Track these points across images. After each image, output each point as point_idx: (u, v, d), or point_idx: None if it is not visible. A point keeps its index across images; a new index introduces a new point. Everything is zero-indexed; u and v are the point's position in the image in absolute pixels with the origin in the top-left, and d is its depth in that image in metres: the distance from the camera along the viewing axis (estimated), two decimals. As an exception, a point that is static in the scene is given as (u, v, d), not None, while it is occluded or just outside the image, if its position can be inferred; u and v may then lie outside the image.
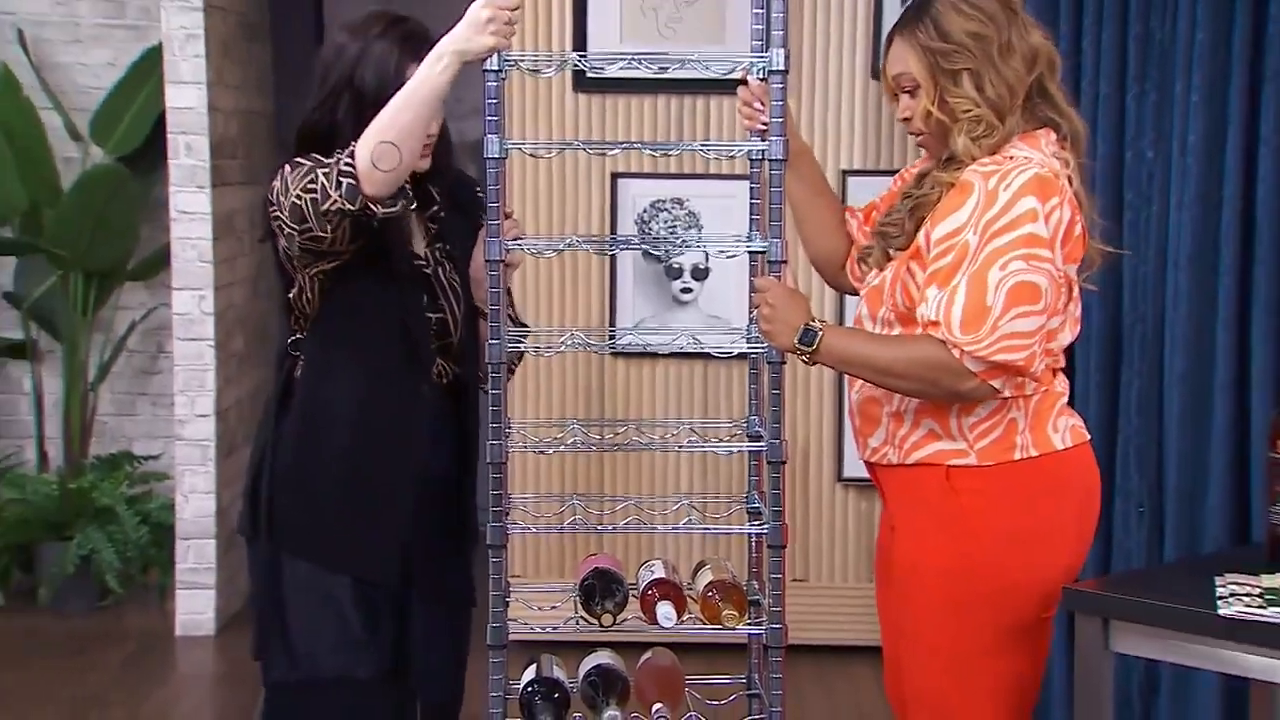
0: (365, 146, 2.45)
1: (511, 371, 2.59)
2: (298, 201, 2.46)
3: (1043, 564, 2.46)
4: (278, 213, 2.51)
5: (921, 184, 2.52)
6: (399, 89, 2.48)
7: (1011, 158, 2.40)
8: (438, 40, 2.49)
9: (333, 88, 2.60)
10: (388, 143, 2.43)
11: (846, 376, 2.63)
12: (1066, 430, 2.50)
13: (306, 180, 2.48)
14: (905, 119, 2.52)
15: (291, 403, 2.63)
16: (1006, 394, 2.41)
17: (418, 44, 2.59)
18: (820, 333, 2.42)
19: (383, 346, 2.59)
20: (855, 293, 2.68)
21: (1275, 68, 3.17)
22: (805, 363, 2.45)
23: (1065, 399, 2.53)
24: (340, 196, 2.42)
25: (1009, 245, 2.34)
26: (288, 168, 2.54)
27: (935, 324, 2.36)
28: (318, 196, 2.46)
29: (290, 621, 2.60)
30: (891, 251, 2.51)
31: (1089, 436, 2.54)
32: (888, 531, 2.62)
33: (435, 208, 2.75)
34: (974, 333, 2.33)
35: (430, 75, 2.47)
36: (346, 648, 2.56)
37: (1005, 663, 2.47)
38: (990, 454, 2.45)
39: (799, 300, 2.47)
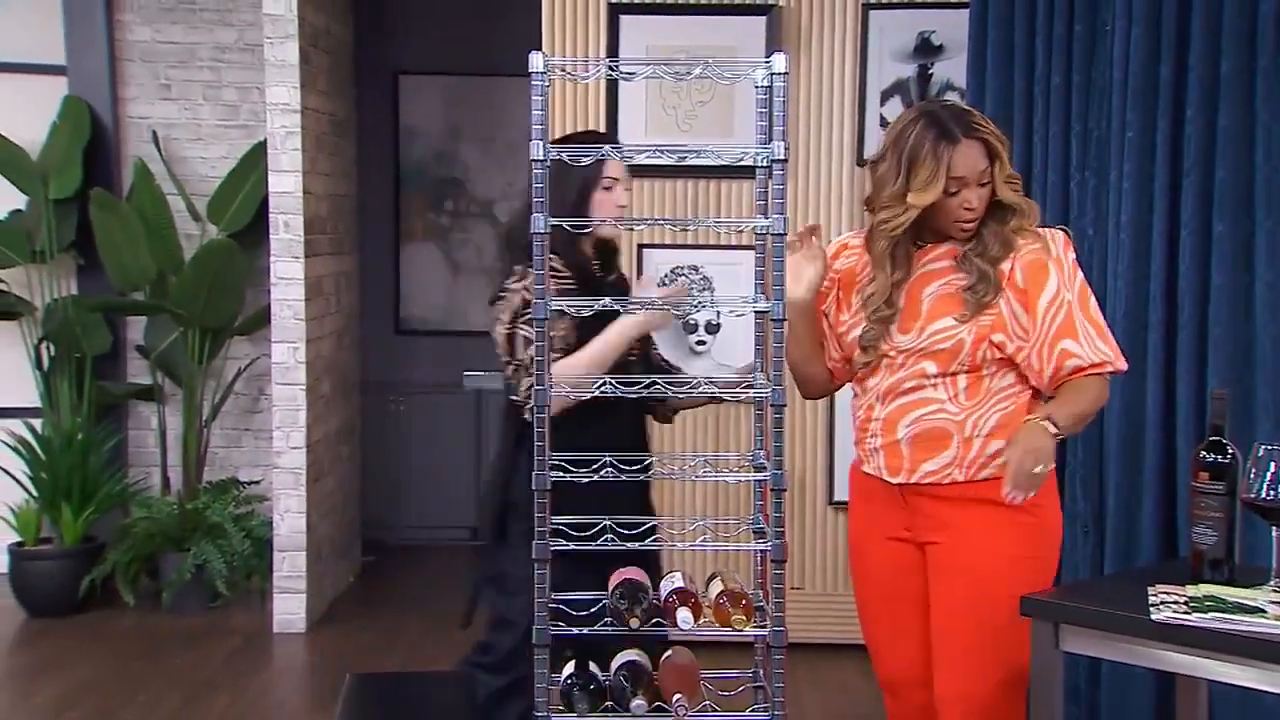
0: (567, 370, 2.79)
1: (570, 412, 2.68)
2: (509, 364, 2.90)
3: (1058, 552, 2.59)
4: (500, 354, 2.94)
5: (971, 261, 2.54)
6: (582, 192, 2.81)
7: (1032, 238, 2.54)
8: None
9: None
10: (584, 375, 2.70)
11: (856, 417, 2.65)
12: None
13: (510, 368, 2.93)
14: (967, 210, 2.50)
15: (527, 443, 2.62)
16: None
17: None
18: (1058, 429, 2.40)
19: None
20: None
21: (1193, 161, 3.14)
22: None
23: None
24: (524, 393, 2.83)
25: (1084, 287, 2.52)
26: (518, 337, 2.90)
27: (1099, 364, 2.48)
28: (513, 383, 2.90)
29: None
30: (978, 327, 2.50)
31: None
32: (910, 549, 2.57)
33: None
34: (1120, 356, 2.53)
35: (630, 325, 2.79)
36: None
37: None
38: None
39: (1037, 438, 2.38)
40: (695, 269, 4.41)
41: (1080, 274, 2.54)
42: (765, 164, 2.54)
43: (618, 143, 4.22)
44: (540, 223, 2.39)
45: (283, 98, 4.80)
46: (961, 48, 3.97)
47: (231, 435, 5.60)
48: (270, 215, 4.85)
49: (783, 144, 2.43)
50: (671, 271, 4.42)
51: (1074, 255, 2.54)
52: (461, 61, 6.42)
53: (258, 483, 5.38)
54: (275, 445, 4.91)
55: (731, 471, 2.65)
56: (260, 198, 5.15)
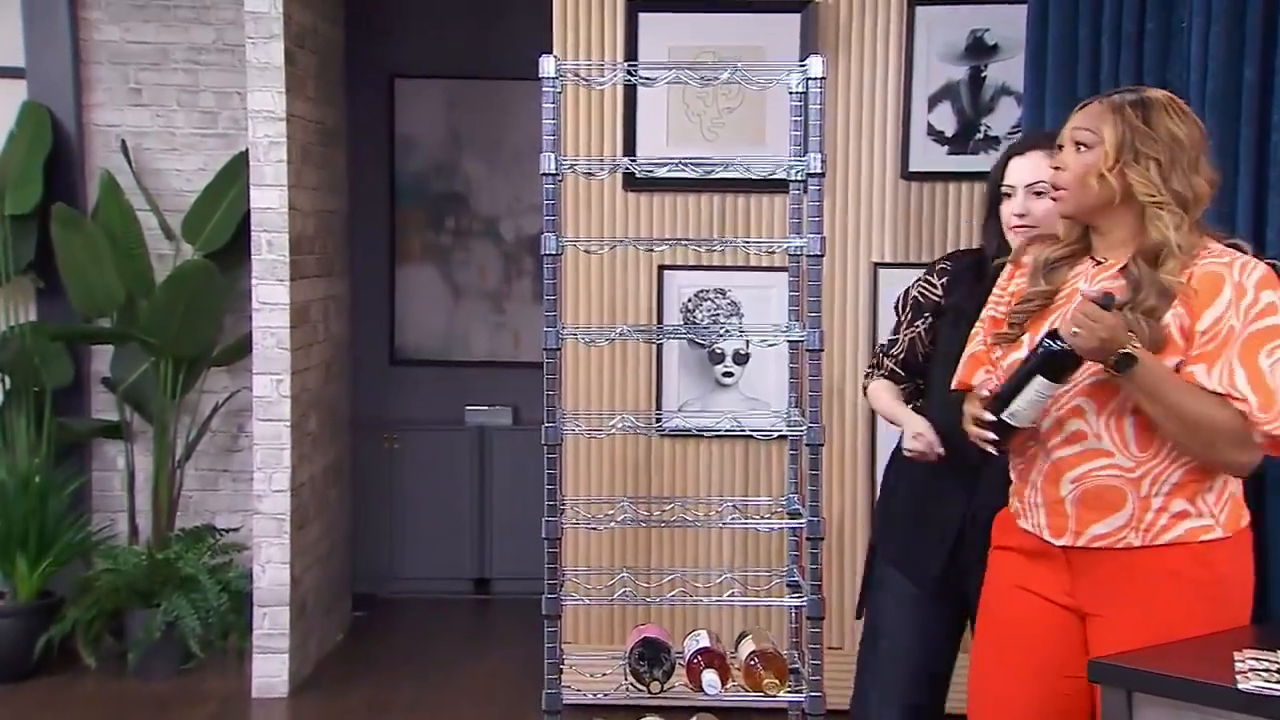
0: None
1: None
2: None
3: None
4: None
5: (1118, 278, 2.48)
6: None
7: (1231, 250, 2.45)
8: None
9: None
10: None
11: (1015, 465, 2.59)
12: (1240, 507, 2.54)
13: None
14: (1056, 168, 2.51)
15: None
16: None
17: None
18: (1138, 355, 2.36)
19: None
20: None
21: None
22: (1114, 372, 2.37)
23: None
24: None
25: (1266, 334, 2.38)
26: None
27: (1235, 397, 2.37)
28: None
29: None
30: (1132, 347, 2.41)
31: None
32: (1069, 617, 2.56)
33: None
34: (1269, 413, 2.36)
35: None
36: None
37: None
38: (1231, 524, 2.49)
39: (1123, 331, 2.38)
40: (722, 293, 4.44)
41: (1273, 319, 2.40)
42: (800, 178, 2.58)
43: (633, 154, 4.29)
44: (552, 244, 2.43)
45: (266, 104, 4.85)
46: (1018, 47, 3.99)
47: (207, 477, 5.63)
48: (252, 233, 4.89)
49: (819, 156, 2.46)
50: (696, 296, 4.44)
51: (1274, 296, 2.42)
52: (464, 64, 6.47)
53: (236, 530, 5.39)
54: (256, 488, 4.93)
55: (763, 518, 2.66)
56: (241, 214, 5.19)
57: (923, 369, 3.14)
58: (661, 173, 2.62)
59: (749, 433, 2.53)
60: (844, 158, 4.45)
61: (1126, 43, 3.37)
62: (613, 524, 2.57)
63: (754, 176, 2.57)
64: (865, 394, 3.15)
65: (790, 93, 2.61)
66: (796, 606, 2.59)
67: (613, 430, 2.55)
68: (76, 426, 5.44)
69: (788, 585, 2.64)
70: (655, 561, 4.40)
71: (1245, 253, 2.49)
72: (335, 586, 5.64)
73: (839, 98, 4.42)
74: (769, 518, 2.66)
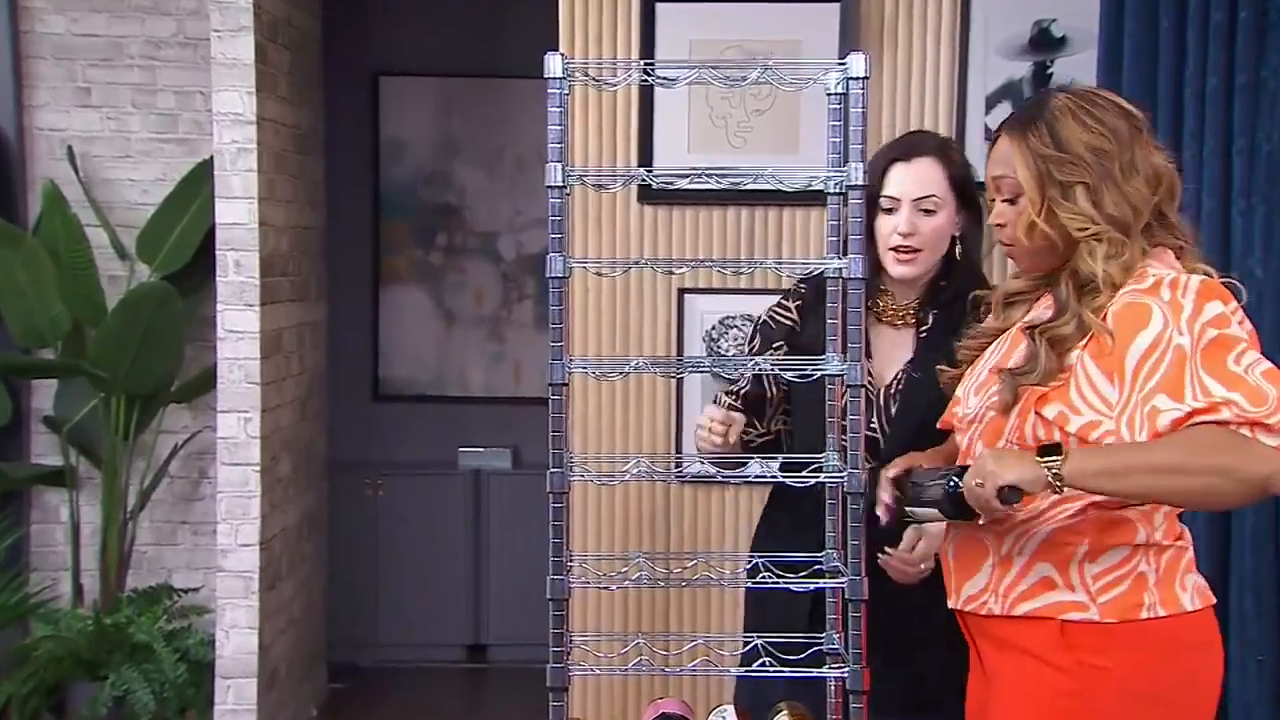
0: None
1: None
2: None
3: None
4: None
5: (1039, 316, 2.47)
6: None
7: (1159, 277, 2.36)
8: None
9: None
10: None
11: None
12: (1194, 591, 2.43)
13: None
14: (998, 225, 2.52)
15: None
16: None
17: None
18: (1065, 451, 2.30)
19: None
20: None
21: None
22: (1056, 489, 2.30)
23: (1191, 554, 2.46)
24: None
25: (1224, 342, 2.28)
26: None
27: (1205, 409, 2.25)
28: None
29: None
30: (1021, 390, 2.42)
31: (1214, 600, 2.47)
32: (980, 679, 2.58)
33: (925, 329, 3.03)
34: (1260, 406, 2.24)
35: None
36: None
37: None
38: (1115, 610, 2.38)
39: (1007, 460, 2.34)
40: (749, 320, 4.46)
41: (1228, 329, 2.31)
42: (839, 190, 2.60)
43: (650, 164, 4.31)
44: (558, 265, 2.45)
45: (233, 105, 4.89)
46: (1090, 41, 4.01)
47: (164, 530, 5.65)
48: (216, 252, 4.92)
49: (861, 165, 2.49)
50: (720, 324, 4.46)
51: (1222, 308, 2.33)
52: (458, 60, 6.52)
53: (196, 590, 5.42)
54: (220, 542, 4.95)
55: (798, 576, 2.67)
56: (204, 230, 5.23)
57: (765, 412, 3.15)
58: (682, 184, 2.64)
59: (781, 479, 2.54)
60: (890, 166, 4.47)
61: (1215, 35, 3.38)
62: (627, 583, 2.58)
63: (787, 189, 2.58)
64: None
65: (828, 94, 2.63)
66: (837, 678, 2.59)
67: (627, 476, 2.57)
68: (13, 472, 5.47)
69: (826, 654, 2.65)
70: (675, 626, 4.40)
71: (1182, 261, 2.43)
72: (310, 654, 5.66)
73: (884, 99, 4.45)
74: (804, 575, 2.66)
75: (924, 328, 3.05)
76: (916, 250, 2.97)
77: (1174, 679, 2.39)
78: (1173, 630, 2.39)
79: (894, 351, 3.06)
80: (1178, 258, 2.44)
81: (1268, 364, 2.30)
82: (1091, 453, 2.33)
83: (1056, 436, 2.38)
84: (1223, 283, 2.40)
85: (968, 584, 2.49)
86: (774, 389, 3.16)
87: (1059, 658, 2.38)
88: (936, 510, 2.47)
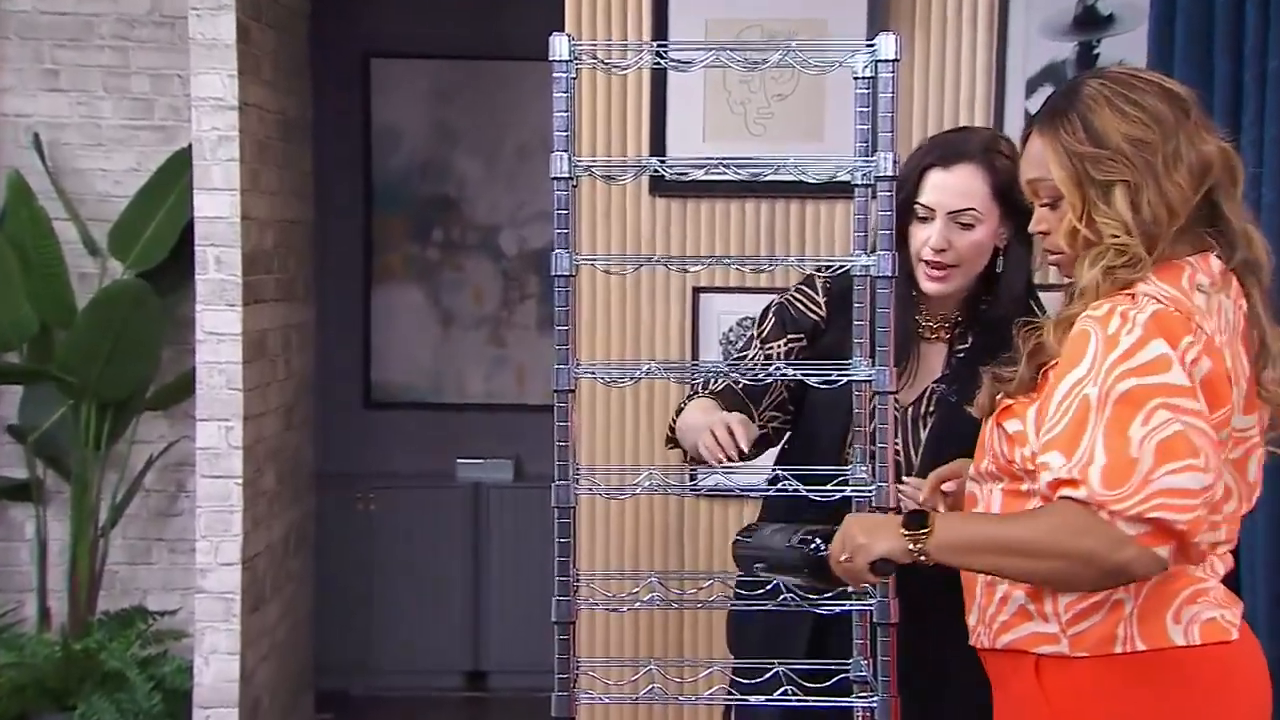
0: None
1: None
2: None
3: None
4: None
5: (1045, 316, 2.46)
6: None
7: (1133, 295, 2.27)
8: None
9: None
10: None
11: None
12: (1195, 623, 2.30)
13: None
14: (1042, 232, 2.43)
15: None
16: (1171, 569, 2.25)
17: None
18: (930, 518, 2.30)
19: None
20: None
21: None
22: (922, 562, 2.30)
23: (1209, 585, 2.34)
24: None
25: (1145, 393, 2.18)
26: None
27: (1070, 482, 2.19)
28: None
29: None
30: (999, 398, 2.41)
31: (1233, 635, 2.33)
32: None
33: (961, 348, 2.95)
34: (1119, 488, 2.15)
35: None
36: None
37: None
38: (1084, 643, 2.30)
39: (870, 529, 2.37)
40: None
41: (1159, 377, 2.19)
42: (868, 182, 2.61)
43: (663, 153, 4.32)
44: (564, 262, 2.46)
45: (214, 89, 4.90)
46: (1140, 18, 4.01)
47: (138, 548, 5.66)
48: (196, 248, 4.93)
49: (891, 155, 2.50)
50: (738, 325, 4.47)
51: (1166, 349, 2.21)
52: (455, 41, 6.53)
53: (174, 613, 5.43)
54: (199, 561, 4.96)
55: (823, 598, 2.68)
56: (182, 225, 5.24)
57: (761, 403, 3.05)
58: (697, 175, 2.66)
59: (804, 493, 2.55)
60: (922, 155, 4.48)
61: (1278, 11, 3.37)
62: (638, 605, 2.60)
63: (811, 180, 2.59)
64: (670, 435, 3.02)
65: (856, 78, 2.65)
66: (866, 708, 2.61)
67: (638, 489, 2.58)
68: (-23, 485, 5.49)
69: (854, 681, 2.66)
70: (690, 651, 4.41)
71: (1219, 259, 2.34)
72: (296, 682, 5.67)
73: (915, 83, 4.45)
74: (830, 598, 2.67)
75: (960, 346, 2.96)
76: (950, 267, 2.87)
77: (1160, 715, 2.29)
78: (1155, 668, 2.29)
79: (922, 366, 2.98)
80: (1225, 273, 2.34)
81: (1181, 425, 2.18)
82: (955, 524, 2.34)
83: (1017, 456, 2.35)
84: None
85: (970, 614, 2.45)
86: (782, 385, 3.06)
87: (1034, 698, 2.33)
88: (793, 575, 2.51)
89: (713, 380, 3.03)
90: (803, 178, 2.59)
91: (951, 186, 2.85)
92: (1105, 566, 2.19)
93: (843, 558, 2.36)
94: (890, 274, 2.51)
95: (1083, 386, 2.22)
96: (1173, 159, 2.30)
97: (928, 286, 2.91)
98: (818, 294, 3.06)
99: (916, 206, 2.88)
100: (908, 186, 2.86)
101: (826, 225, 4.42)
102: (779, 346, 3.02)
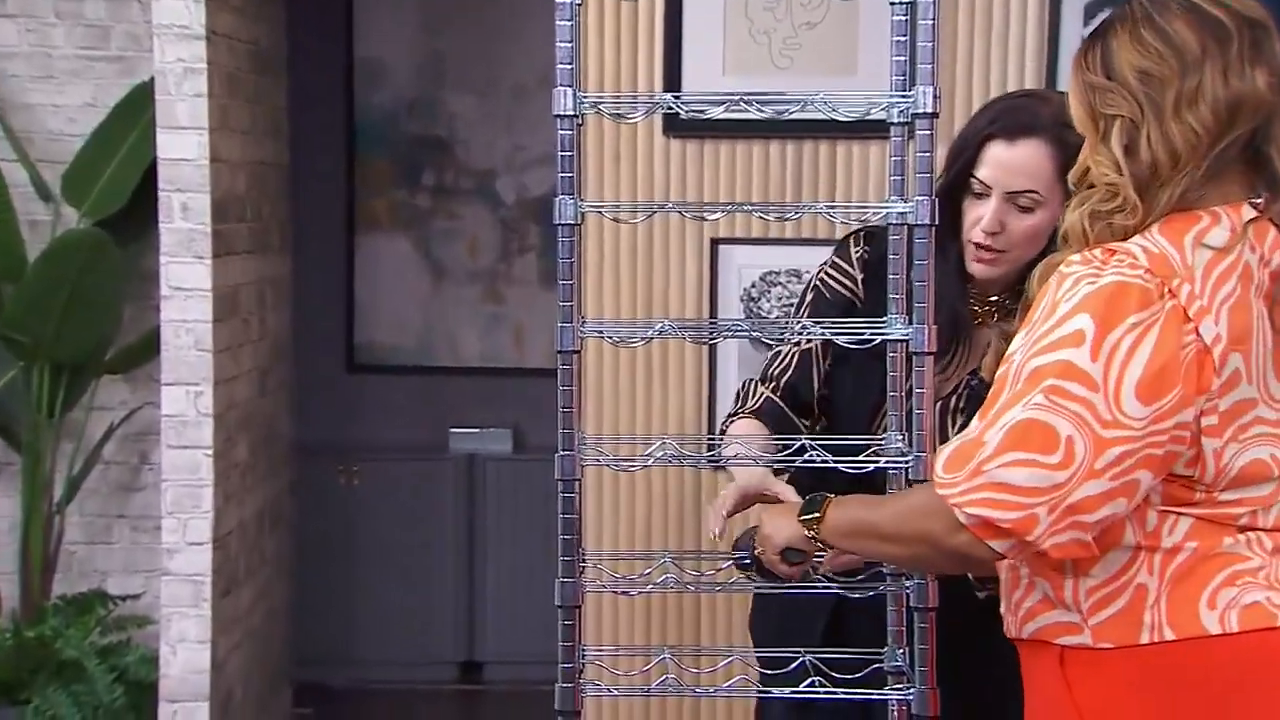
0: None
1: None
2: None
3: None
4: None
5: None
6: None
7: (1113, 250, 2.25)
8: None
9: None
10: None
11: None
12: (1234, 609, 2.25)
13: None
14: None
15: None
16: (1026, 566, 2.31)
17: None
18: (824, 504, 2.47)
19: None
20: None
21: None
22: (819, 545, 2.50)
23: (1254, 564, 2.29)
24: None
25: (1044, 371, 2.20)
26: None
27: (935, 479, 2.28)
28: None
29: None
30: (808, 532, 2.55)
31: None
32: None
33: (1007, 329, 2.88)
34: (954, 473, 2.22)
35: None
36: None
37: None
38: (1108, 632, 2.28)
39: (776, 518, 2.58)
40: (796, 276, 4.47)
41: (1065, 354, 2.19)
42: (905, 119, 2.62)
43: (678, 88, 4.32)
44: (569, 209, 2.47)
45: (178, 16, 4.87)
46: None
47: (98, 525, 5.68)
48: (159, 194, 4.93)
49: (931, 89, 2.50)
50: (761, 280, 4.48)
51: (1086, 323, 2.19)
52: (447, -39, 6.52)
53: (137, 597, 5.46)
54: (165, 540, 4.97)
55: (855, 580, 2.70)
56: (143, 167, 5.23)
57: (818, 404, 3.07)
58: (715, 113, 2.65)
59: (835, 464, 2.56)
60: (965, 91, 4.48)
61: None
62: (650, 588, 2.61)
63: (842, 118, 2.59)
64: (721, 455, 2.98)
65: (892, 3, 2.65)
66: (900, 701, 2.63)
67: (650, 461, 2.59)
68: (-81, 457, 5.51)
69: (889, 672, 2.68)
70: (707, 639, 4.43)
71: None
72: (272, 673, 5.70)
73: (960, 8, 4.45)
74: (862, 579, 2.69)
75: (1006, 328, 2.90)
76: (1000, 251, 2.87)
77: (1193, 716, 2.25)
78: (1187, 660, 2.25)
79: (971, 352, 2.98)
80: (1260, 228, 2.29)
81: (1050, 412, 2.18)
82: (842, 509, 2.45)
83: None
84: None
85: (1002, 603, 2.44)
86: (820, 377, 3.07)
87: (1060, 694, 2.32)
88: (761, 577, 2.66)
89: (753, 393, 3.05)
90: (833, 115, 2.59)
91: (1014, 164, 2.84)
92: (944, 549, 2.27)
93: (756, 551, 2.52)
94: (929, 222, 2.52)
95: (1014, 353, 2.26)
96: (1189, 96, 2.25)
97: (974, 269, 2.91)
98: (852, 265, 3.06)
99: (972, 180, 2.87)
100: (965, 156, 2.87)
101: (859, 168, 4.43)
102: (818, 340, 3.00)
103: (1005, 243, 2.85)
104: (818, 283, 3.10)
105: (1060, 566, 2.28)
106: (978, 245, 2.87)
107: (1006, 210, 2.84)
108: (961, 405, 2.95)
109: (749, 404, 3.06)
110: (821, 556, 2.60)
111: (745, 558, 2.64)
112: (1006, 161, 2.83)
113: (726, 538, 2.85)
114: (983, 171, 2.85)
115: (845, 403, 3.04)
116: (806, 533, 2.48)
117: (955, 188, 2.87)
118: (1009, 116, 2.88)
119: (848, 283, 3.05)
